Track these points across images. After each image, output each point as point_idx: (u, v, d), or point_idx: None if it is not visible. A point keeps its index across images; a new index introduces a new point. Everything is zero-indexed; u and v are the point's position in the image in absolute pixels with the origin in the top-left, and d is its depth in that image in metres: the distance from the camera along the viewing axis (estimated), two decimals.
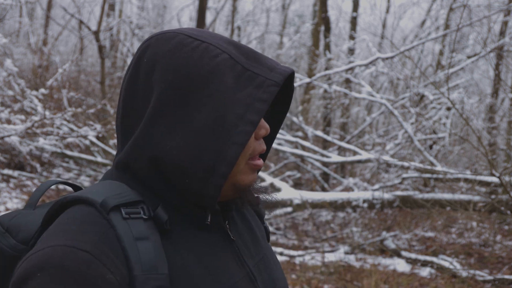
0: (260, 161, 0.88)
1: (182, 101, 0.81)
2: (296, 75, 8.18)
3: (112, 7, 16.93)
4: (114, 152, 8.60)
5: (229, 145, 0.79)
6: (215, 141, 0.79)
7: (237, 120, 0.80)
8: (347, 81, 9.78)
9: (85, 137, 7.87)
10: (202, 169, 0.80)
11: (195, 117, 0.80)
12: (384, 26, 15.10)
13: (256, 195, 0.90)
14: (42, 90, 7.45)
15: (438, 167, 6.20)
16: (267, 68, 0.84)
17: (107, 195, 0.80)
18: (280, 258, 5.91)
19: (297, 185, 9.66)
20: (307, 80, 7.53)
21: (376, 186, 6.89)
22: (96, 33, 11.14)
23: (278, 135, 7.47)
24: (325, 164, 8.43)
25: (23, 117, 6.94)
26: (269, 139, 0.99)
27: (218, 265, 0.86)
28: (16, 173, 7.95)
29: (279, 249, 6.17)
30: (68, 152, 8.63)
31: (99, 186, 0.83)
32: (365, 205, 6.44)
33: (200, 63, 0.81)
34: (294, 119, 8.48)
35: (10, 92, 7.50)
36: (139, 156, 0.84)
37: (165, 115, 0.81)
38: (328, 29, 11.43)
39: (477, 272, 5.14)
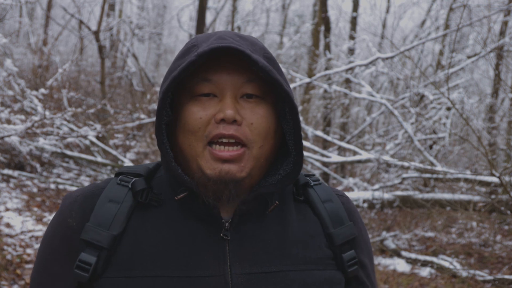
0: (222, 153, 0.84)
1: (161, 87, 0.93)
2: (296, 75, 8.17)
3: (112, 7, 16.93)
4: (114, 152, 8.59)
5: (156, 114, 0.87)
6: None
7: (161, 91, 0.87)
8: (347, 81, 9.78)
9: (85, 137, 7.86)
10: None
11: None
12: (384, 26, 15.10)
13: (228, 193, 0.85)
14: (42, 90, 7.44)
15: (438, 167, 6.20)
16: (207, 45, 0.86)
17: (130, 166, 0.98)
18: None
19: None
20: (307, 80, 7.52)
21: (376, 186, 6.89)
22: (96, 33, 11.13)
23: None
24: (325, 164, 8.43)
25: (23, 117, 6.94)
26: (296, 138, 0.90)
27: (186, 253, 0.87)
28: (16, 173, 7.94)
29: None
30: (68, 152, 8.62)
31: (146, 163, 1.02)
32: (365, 205, 6.44)
33: (177, 53, 0.93)
34: None
35: (10, 92, 7.49)
36: None
37: None
38: (328, 29, 11.43)
39: (477, 272, 5.14)
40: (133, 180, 0.92)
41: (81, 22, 12.17)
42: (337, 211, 0.99)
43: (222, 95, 0.86)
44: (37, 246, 5.13)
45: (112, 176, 1.09)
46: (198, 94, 0.87)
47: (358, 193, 6.62)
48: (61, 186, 8.08)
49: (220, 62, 0.86)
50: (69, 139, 8.04)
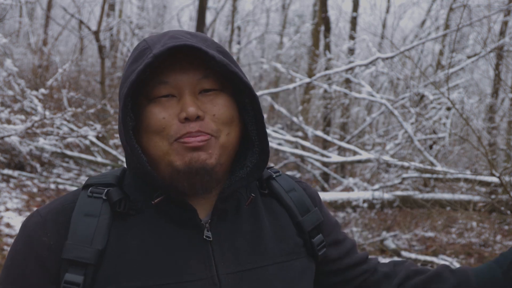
0: (192, 139, 0.84)
1: (119, 93, 0.91)
2: (296, 75, 8.17)
3: (112, 7, 16.92)
4: (114, 152, 8.59)
5: (120, 123, 0.86)
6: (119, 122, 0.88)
7: (121, 97, 0.86)
8: (347, 81, 9.78)
9: (85, 137, 7.86)
10: (126, 154, 0.89)
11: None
12: (384, 26, 15.10)
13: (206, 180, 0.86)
14: (42, 90, 7.44)
15: (438, 167, 6.20)
16: (161, 45, 0.85)
17: (96, 176, 0.93)
18: None
19: None
20: (307, 80, 7.52)
21: (376, 186, 6.88)
22: (96, 33, 11.13)
23: (278, 135, 7.47)
24: (325, 164, 8.43)
25: (23, 117, 6.94)
26: (259, 128, 0.92)
27: (172, 259, 0.87)
28: (16, 173, 7.94)
29: None
30: (68, 152, 8.62)
31: (109, 171, 0.98)
32: (365, 205, 6.44)
33: (128, 59, 0.92)
34: (294, 119, 8.48)
35: (10, 92, 7.49)
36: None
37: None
38: (328, 29, 11.43)
39: None
40: (106, 190, 0.89)
41: (81, 22, 12.17)
42: (302, 199, 1.03)
43: (180, 94, 0.87)
44: None
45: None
46: (156, 97, 0.87)
47: (358, 193, 6.62)
48: (61, 186, 8.08)
49: (174, 61, 0.87)
50: (69, 139, 8.04)
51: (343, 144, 7.80)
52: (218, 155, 0.86)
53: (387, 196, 6.42)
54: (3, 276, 0.89)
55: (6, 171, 7.84)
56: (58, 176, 9.01)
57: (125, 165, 0.96)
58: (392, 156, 7.25)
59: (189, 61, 0.87)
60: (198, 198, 0.91)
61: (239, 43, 18.45)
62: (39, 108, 7.05)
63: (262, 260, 0.92)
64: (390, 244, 6.40)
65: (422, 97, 8.09)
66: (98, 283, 0.84)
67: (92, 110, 8.23)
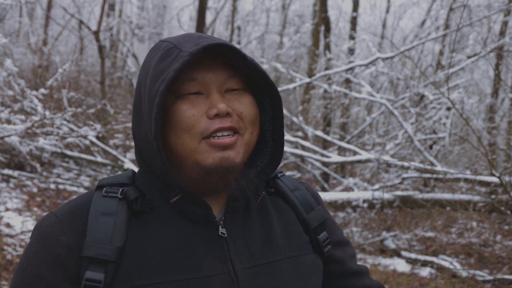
0: (222, 140, 0.86)
1: (139, 94, 0.91)
2: (296, 75, 8.16)
3: (112, 7, 16.93)
4: (114, 152, 8.59)
5: (152, 120, 0.85)
6: (148, 119, 0.87)
7: (155, 94, 0.85)
8: (347, 81, 9.78)
9: (85, 137, 7.86)
10: (145, 152, 0.90)
11: (143, 104, 0.90)
12: (384, 26, 15.10)
13: (236, 178, 0.88)
14: (42, 90, 7.44)
15: (438, 167, 6.20)
16: (194, 44, 0.86)
17: (108, 177, 0.95)
18: None
19: None
20: (307, 80, 7.52)
21: (376, 186, 6.88)
22: (96, 33, 11.13)
23: None
24: (325, 164, 8.43)
25: (23, 117, 6.93)
26: (275, 128, 0.95)
27: (189, 255, 0.88)
28: (16, 173, 7.93)
29: None
30: (68, 152, 8.62)
31: (120, 173, 0.99)
32: (365, 205, 6.44)
33: (149, 59, 0.91)
34: (294, 119, 8.47)
35: (10, 92, 7.49)
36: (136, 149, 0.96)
37: (136, 109, 0.92)
38: (328, 29, 11.43)
39: (477, 272, 5.14)
40: (121, 189, 0.90)
41: (81, 22, 12.17)
42: (306, 197, 1.06)
43: (208, 92, 0.88)
44: None
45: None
46: (185, 94, 0.88)
47: (358, 193, 6.62)
48: (61, 186, 8.08)
49: (203, 60, 0.88)
50: (69, 139, 8.04)
51: (343, 144, 7.80)
52: (242, 153, 0.89)
53: (387, 196, 6.42)
54: (17, 278, 0.88)
55: (6, 171, 7.83)
56: (58, 176, 9.00)
57: (126, 166, 0.96)
58: (392, 156, 7.25)
59: (215, 60, 0.89)
60: (211, 196, 0.93)
61: (239, 43, 18.45)
62: (39, 108, 7.05)
63: (274, 255, 0.95)
64: (390, 244, 6.40)
65: (422, 97, 8.09)
66: (119, 280, 0.85)
67: (92, 110, 8.23)
